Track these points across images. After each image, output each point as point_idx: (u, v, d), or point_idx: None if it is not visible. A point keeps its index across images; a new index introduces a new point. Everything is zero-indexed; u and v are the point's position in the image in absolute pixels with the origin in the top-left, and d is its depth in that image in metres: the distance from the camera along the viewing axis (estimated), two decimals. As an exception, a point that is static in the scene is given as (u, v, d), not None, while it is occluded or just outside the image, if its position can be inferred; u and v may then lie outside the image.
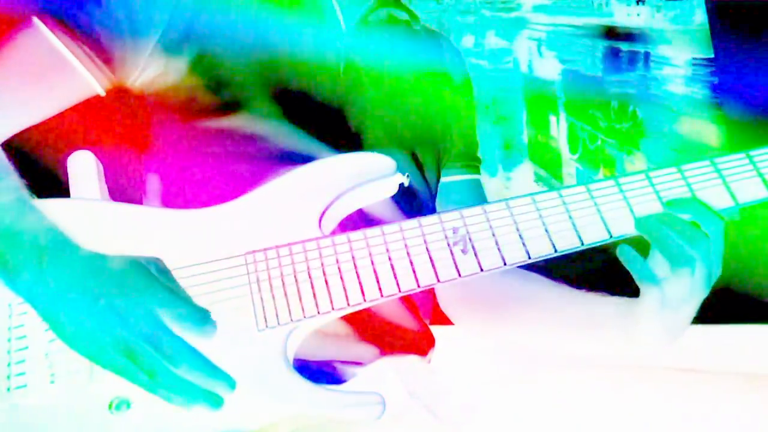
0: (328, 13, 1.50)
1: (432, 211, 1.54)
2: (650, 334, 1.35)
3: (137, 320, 1.13)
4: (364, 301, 1.25)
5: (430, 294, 1.54)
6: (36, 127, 1.44)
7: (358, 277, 1.26)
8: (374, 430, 1.24)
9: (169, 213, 1.36)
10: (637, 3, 2.88)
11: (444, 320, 1.63)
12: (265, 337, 1.23)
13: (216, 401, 1.14)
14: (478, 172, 1.69)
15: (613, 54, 2.87)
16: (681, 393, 1.43)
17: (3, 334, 1.23)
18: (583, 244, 1.28)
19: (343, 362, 1.34)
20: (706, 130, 2.77)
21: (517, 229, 1.29)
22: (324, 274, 1.26)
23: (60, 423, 1.19)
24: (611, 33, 2.89)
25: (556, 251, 1.27)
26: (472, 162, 1.69)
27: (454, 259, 1.27)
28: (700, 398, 1.42)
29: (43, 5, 1.40)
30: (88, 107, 1.47)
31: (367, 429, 1.24)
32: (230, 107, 1.41)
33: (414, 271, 1.26)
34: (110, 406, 1.18)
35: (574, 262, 1.33)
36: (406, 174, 1.36)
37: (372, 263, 1.26)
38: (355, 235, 1.29)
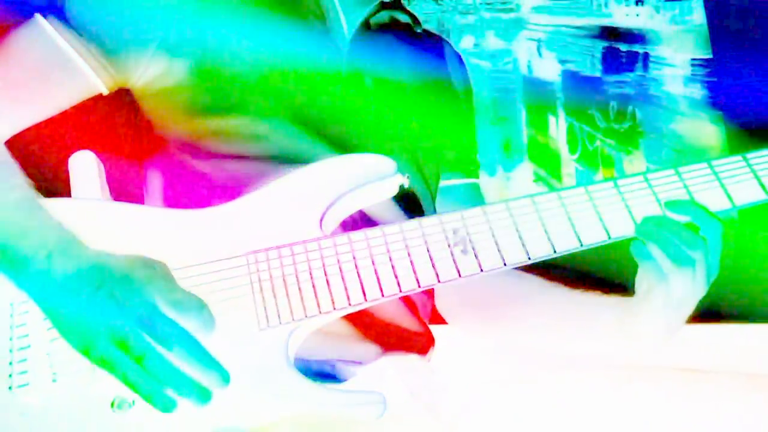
0: (331, 16, 1.50)
1: (432, 212, 1.55)
2: (649, 332, 1.36)
3: (133, 305, 1.14)
4: (365, 300, 1.25)
5: (429, 294, 1.55)
6: (38, 126, 1.45)
7: (359, 277, 1.26)
8: (374, 430, 1.24)
9: (171, 213, 1.37)
10: (637, 3, 2.88)
11: (444, 320, 1.63)
12: (266, 337, 1.23)
13: (204, 395, 1.14)
14: (477, 176, 1.70)
15: (612, 54, 2.87)
16: (681, 393, 1.44)
17: (5, 333, 1.23)
18: (582, 245, 1.29)
19: (343, 361, 1.34)
20: (704, 130, 2.77)
21: (517, 230, 1.29)
22: (325, 273, 1.26)
23: (62, 422, 1.19)
24: (610, 33, 2.89)
25: (555, 252, 1.28)
26: (471, 166, 1.69)
27: (454, 260, 1.27)
28: (700, 398, 1.42)
29: (47, 3, 1.41)
30: (91, 106, 1.48)
31: (368, 428, 1.24)
32: (232, 108, 1.41)
33: (414, 272, 1.27)
34: (112, 405, 1.18)
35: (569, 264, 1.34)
36: (407, 175, 1.36)
37: (373, 263, 1.27)
38: (356, 235, 1.29)
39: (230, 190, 1.36)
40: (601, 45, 2.88)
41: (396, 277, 1.26)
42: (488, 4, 2.91)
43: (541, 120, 2.86)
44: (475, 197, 1.68)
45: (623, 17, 2.88)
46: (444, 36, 2.61)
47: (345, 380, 1.33)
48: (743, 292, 2.24)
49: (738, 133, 2.68)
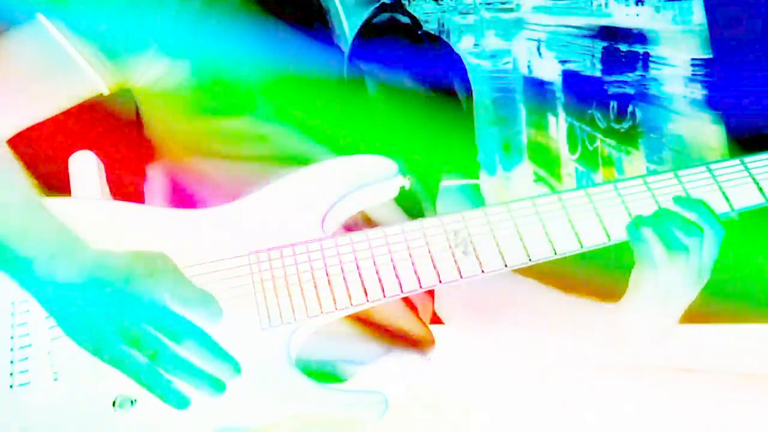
0: (332, 17, 1.51)
1: (433, 213, 1.55)
2: (637, 324, 1.37)
3: (141, 304, 1.14)
4: (367, 301, 1.26)
5: (430, 295, 1.55)
6: (38, 126, 1.44)
7: (361, 277, 1.26)
8: (375, 430, 1.25)
9: (172, 212, 1.37)
10: (637, 3, 2.88)
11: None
12: (268, 336, 1.23)
13: (219, 386, 1.15)
14: (477, 177, 1.71)
15: (612, 54, 2.88)
16: (681, 393, 1.44)
17: (6, 332, 1.24)
18: (582, 247, 1.29)
19: (344, 361, 1.34)
20: (704, 130, 2.78)
21: (518, 232, 1.30)
22: (327, 273, 1.27)
23: (63, 421, 1.19)
24: (610, 33, 2.89)
25: (556, 254, 1.29)
26: (471, 167, 1.70)
27: (455, 261, 1.28)
28: (700, 398, 1.43)
29: (49, 3, 1.41)
30: (91, 106, 1.48)
31: (369, 428, 1.24)
32: (233, 110, 1.41)
33: (416, 272, 1.27)
34: (114, 404, 1.18)
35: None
36: (408, 176, 1.37)
37: (374, 264, 1.27)
38: (358, 236, 1.29)
39: (231, 191, 1.37)
40: (601, 45, 2.88)
41: (397, 277, 1.27)
42: (488, 4, 2.91)
43: (541, 120, 2.86)
44: (474, 198, 1.68)
45: (623, 17, 2.89)
46: (444, 36, 2.61)
47: (346, 380, 1.33)
48: (742, 292, 2.25)
49: (738, 134, 2.69)
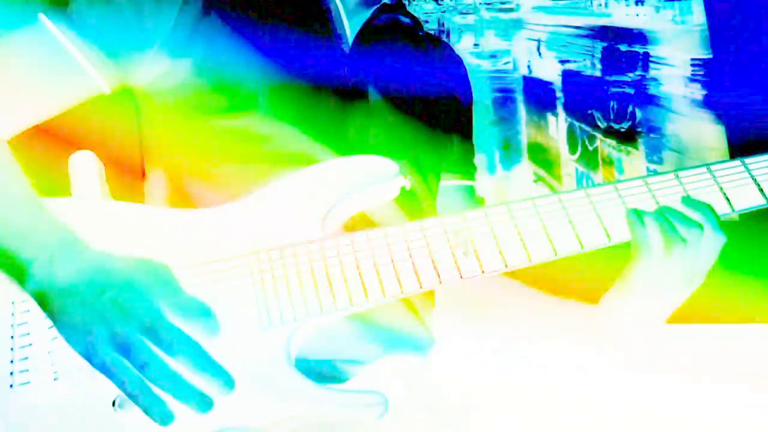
0: (334, 18, 1.51)
1: (433, 214, 1.55)
2: (620, 315, 1.38)
3: (138, 312, 1.13)
4: (367, 301, 1.26)
5: (430, 295, 1.55)
6: (39, 126, 1.45)
7: (361, 277, 1.27)
8: (375, 430, 1.25)
9: (172, 212, 1.37)
10: (637, 3, 2.88)
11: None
12: (267, 337, 1.23)
13: (205, 404, 1.12)
14: (474, 179, 1.71)
15: (612, 54, 2.88)
16: (681, 393, 1.44)
17: (6, 332, 1.24)
18: (583, 248, 1.30)
19: (344, 361, 1.34)
20: (704, 130, 2.78)
21: (518, 233, 1.30)
22: (327, 274, 1.27)
23: (63, 420, 1.19)
24: (610, 33, 2.89)
25: (556, 254, 1.29)
26: (469, 168, 1.70)
27: (455, 261, 1.28)
28: (700, 398, 1.43)
29: (50, 4, 1.41)
30: (92, 106, 1.48)
31: (369, 428, 1.24)
32: (234, 110, 1.41)
33: (416, 273, 1.27)
34: (114, 403, 1.18)
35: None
36: (408, 177, 1.37)
37: (374, 264, 1.27)
38: (358, 236, 1.30)
39: (231, 191, 1.37)
40: (601, 45, 2.88)
41: (398, 278, 1.27)
42: (488, 4, 2.91)
43: (540, 120, 2.86)
44: (470, 199, 1.69)
45: (623, 17, 2.89)
46: (443, 36, 2.61)
47: (346, 380, 1.34)
48: (742, 292, 2.25)
49: (738, 134, 2.69)
